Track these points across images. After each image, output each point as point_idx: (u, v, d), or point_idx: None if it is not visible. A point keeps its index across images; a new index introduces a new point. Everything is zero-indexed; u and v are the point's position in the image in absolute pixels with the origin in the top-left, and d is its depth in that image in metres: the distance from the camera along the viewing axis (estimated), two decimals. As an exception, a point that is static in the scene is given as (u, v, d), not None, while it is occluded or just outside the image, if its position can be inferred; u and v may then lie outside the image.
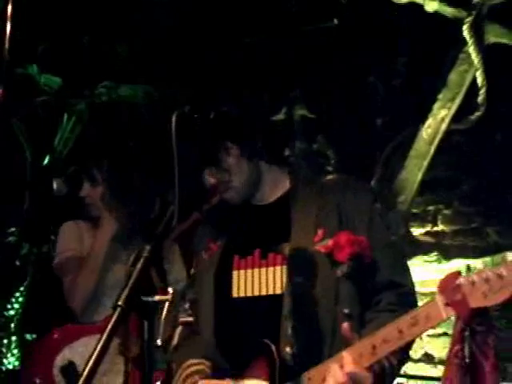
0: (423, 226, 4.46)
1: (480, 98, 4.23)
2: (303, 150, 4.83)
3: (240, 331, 2.35)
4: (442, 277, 1.87)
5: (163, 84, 4.88)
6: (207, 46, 4.65)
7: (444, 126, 4.31)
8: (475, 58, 4.26)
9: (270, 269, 2.34)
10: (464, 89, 4.31)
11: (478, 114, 4.22)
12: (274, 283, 2.33)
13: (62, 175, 3.63)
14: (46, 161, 5.26)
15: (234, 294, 2.38)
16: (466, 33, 4.28)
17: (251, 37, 4.59)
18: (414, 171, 4.30)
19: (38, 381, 3.24)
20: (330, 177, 2.55)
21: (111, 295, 3.34)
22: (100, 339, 1.80)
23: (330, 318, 2.26)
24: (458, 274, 1.81)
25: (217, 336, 2.39)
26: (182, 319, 2.39)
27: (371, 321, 2.26)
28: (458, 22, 4.33)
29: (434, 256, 4.28)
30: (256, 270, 2.37)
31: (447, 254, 4.30)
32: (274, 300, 2.31)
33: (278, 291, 2.31)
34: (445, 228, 4.38)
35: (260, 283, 2.36)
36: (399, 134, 4.46)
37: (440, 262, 4.29)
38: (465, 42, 4.29)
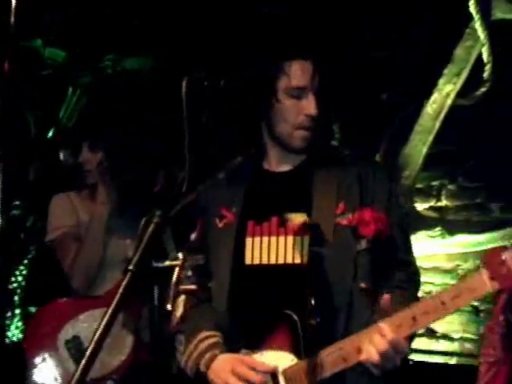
0: (427, 201, 4.46)
1: (486, 74, 4.23)
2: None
3: (256, 301, 2.32)
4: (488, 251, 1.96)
5: (170, 55, 4.86)
6: (215, 17, 4.64)
7: (449, 102, 4.31)
8: (481, 33, 4.25)
9: (289, 237, 2.31)
10: (470, 64, 4.30)
11: (483, 89, 4.22)
12: (293, 253, 2.30)
13: (67, 147, 3.63)
14: (50, 133, 5.27)
15: (248, 261, 2.34)
16: (472, 8, 4.28)
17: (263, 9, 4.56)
18: (419, 146, 4.31)
19: (43, 355, 3.25)
20: (347, 152, 2.58)
21: (111, 267, 3.34)
22: (109, 306, 1.80)
23: (347, 292, 2.28)
24: (504, 248, 1.89)
25: (231, 305, 2.35)
26: (184, 287, 2.34)
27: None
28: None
29: (437, 231, 4.29)
30: (273, 238, 2.33)
31: (451, 229, 4.30)
32: (292, 270, 2.29)
33: (297, 261, 2.29)
34: (448, 203, 4.39)
35: (277, 251, 2.32)
36: (404, 109, 4.46)
37: (444, 237, 4.29)
38: (471, 18, 4.28)
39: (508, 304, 1.96)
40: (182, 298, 2.37)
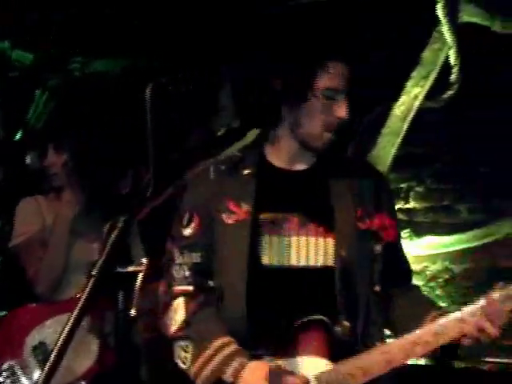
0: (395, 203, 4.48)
1: (453, 77, 4.26)
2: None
3: (277, 304, 2.23)
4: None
5: (138, 57, 4.85)
6: (186, 20, 4.63)
7: (417, 104, 4.34)
8: (449, 36, 4.29)
9: (311, 239, 2.27)
10: (437, 67, 4.34)
11: (450, 92, 4.26)
12: (316, 255, 2.26)
13: (33, 150, 3.60)
14: (18, 136, 5.23)
15: (265, 262, 2.26)
16: (440, 11, 4.31)
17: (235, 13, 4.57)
18: (387, 148, 4.33)
19: (9, 362, 3.21)
20: (346, 156, 2.60)
21: (77, 271, 3.30)
22: (73, 312, 1.79)
23: (366, 294, 2.28)
24: None
25: (249, 309, 2.22)
26: (180, 288, 2.30)
27: (402, 295, 2.37)
28: (433, 1, 4.35)
29: (405, 233, 4.31)
30: (294, 238, 2.27)
31: (419, 231, 4.33)
32: (317, 272, 2.25)
33: (321, 263, 2.26)
34: (417, 205, 4.41)
35: (298, 253, 2.26)
36: (372, 110, 4.48)
37: (412, 239, 4.32)
38: (439, 21, 4.32)
39: None
40: (181, 300, 2.29)
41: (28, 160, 3.56)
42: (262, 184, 2.34)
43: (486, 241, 4.16)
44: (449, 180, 4.33)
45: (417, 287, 2.50)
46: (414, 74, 4.36)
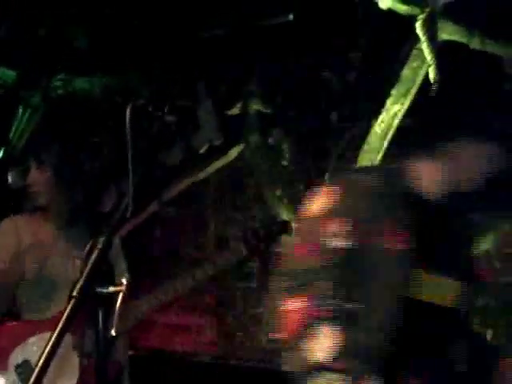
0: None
1: (432, 94, 4.30)
2: (258, 144, 4.87)
3: None
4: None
5: (121, 76, 4.88)
6: (162, 40, 4.66)
7: (396, 121, 4.38)
8: (428, 54, 4.33)
9: None
10: (417, 85, 4.38)
11: (430, 109, 4.30)
12: None
13: (17, 167, 3.61)
14: (0, 154, 5.22)
15: None
16: (419, 30, 4.34)
17: (207, 31, 4.60)
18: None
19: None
20: None
21: (58, 288, 3.31)
22: (54, 332, 1.81)
23: None
24: None
25: None
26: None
27: None
28: (412, 19, 4.39)
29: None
30: None
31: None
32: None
33: None
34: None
35: None
36: (353, 128, 4.53)
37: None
38: (418, 39, 4.35)
39: None
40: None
41: (10, 178, 3.56)
42: None
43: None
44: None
45: None
46: (394, 91, 4.40)
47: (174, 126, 2.28)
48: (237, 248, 3.81)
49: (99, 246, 1.86)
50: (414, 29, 4.34)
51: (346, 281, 2.07)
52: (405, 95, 4.37)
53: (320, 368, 2.03)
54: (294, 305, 2.10)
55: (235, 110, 4.65)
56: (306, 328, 2.06)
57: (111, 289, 1.87)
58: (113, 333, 1.88)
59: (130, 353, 3.84)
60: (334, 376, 2.01)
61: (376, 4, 4.40)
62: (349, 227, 2.07)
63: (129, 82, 4.64)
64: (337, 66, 4.64)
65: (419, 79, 4.35)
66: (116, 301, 1.87)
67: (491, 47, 4.16)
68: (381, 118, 4.39)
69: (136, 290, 4.29)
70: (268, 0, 4.59)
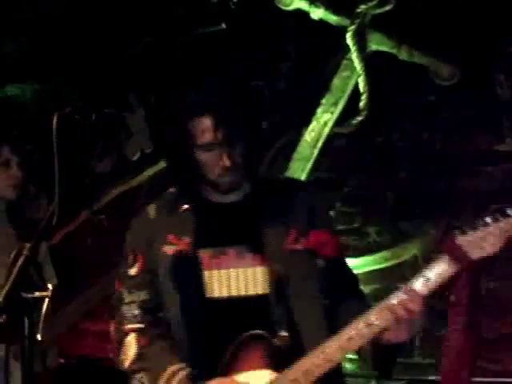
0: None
1: (362, 104, 4.39)
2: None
3: (219, 331, 2.33)
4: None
5: (51, 83, 4.86)
6: (94, 48, 4.66)
7: (327, 130, 4.45)
8: (358, 64, 4.41)
9: (249, 269, 2.36)
10: (347, 94, 4.46)
11: (359, 118, 4.39)
12: (254, 284, 2.35)
13: None
14: None
15: (208, 295, 2.35)
16: (349, 40, 4.43)
17: (138, 39, 4.62)
18: (298, 173, 4.42)
19: None
20: (281, 177, 2.62)
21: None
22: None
23: (307, 307, 2.37)
24: (455, 234, 2.14)
25: (191, 337, 2.35)
26: (130, 326, 2.39)
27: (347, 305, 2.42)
28: (342, 30, 4.47)
29: (317, 255, 4.39)
30: (232, 272, 2.36)
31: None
32: (255, 299, 2.35)
33: (259, 291, 2.35)
34: (327, 228, 4.51)
35: (238, 283, 2.36)
36: (283, 136, 4.58)
37: (323, 261, 4.40)
38: (348, 49, 4.44)
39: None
40: (132, 336, 2.36)
41: None
42: (200, 219, 2.43)
43: (394, 262, 4.29)
44: (358, 203, 4.46)
45: (362, 297, 2.54)
46: (324, 101, 4.47)
47: (102, 134, 2.30)
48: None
49: (25, 252, 1.86)
50: (345, 39, 4.43)
51: None
52: (335, 104, 4.45)
53: (129, 371, 2.37)
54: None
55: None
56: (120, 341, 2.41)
57: (37, 294, 1.87)
58: (38, 338, 1.88)
59: (61, 361, 3.82)
60: (138, 375, 2.34)
61: (307, 14, 4.47)
62: None
63: (59, 89, 4.63)
64: (266, 75, 4.69)
65: (349, 89, 4.43)
66: (41, 307, 1.88)
67: (418, 58, 4.28)
68: (311, 126, 4.46)
69: (66, 298, 4.27)
70: (200, 9, 4.63)
